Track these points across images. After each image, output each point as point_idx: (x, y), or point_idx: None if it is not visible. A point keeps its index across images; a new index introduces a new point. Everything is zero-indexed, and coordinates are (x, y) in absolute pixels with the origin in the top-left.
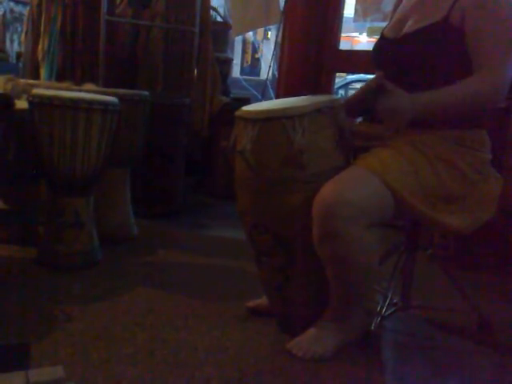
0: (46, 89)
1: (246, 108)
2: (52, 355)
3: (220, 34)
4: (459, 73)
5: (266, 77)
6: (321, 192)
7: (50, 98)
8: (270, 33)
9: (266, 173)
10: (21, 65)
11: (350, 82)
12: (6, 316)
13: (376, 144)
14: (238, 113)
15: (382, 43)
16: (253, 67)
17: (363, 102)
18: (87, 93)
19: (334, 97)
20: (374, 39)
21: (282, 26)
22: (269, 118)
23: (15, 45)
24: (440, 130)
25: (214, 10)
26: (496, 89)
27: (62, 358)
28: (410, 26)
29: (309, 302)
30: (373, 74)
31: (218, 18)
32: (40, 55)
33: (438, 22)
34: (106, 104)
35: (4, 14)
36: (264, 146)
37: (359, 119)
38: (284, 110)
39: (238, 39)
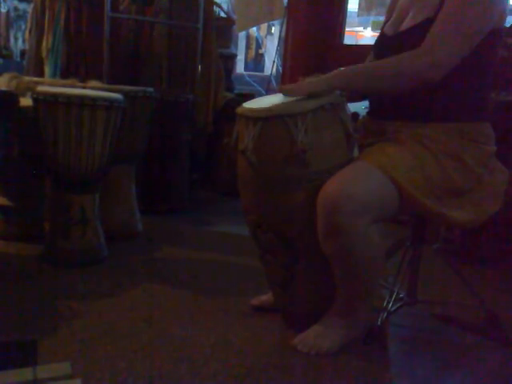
0: (50, 86)
1: (246, 105)
2: (58, 351)
3: (223, 29)
4: (455, 69)
5: (270, 72)
6: (325, 187)
7: (55, 95)
8: (273, 28)
9: (268, 172)
10: (25, 62)
11: None
12: (12, 313)
13: (379, 139)
14: (239, 110)
15: (382, 40)
16: (257, 63)
17: None
18: (92, 90)
19: (337, 93)
20: (378, 33)
21: (285, 21)
22: (270, 116)
23: (19, 42)
24: (442, 122)
25: (218, 5)
26: (423, 62)
27: (68, 355)
28: (406, 23)
29: (313, 299)
30: None
31: (222, 14)
32: (44, 52)
33: (430, 17)
34: (110, 101)
35: (8, 12)
36: (266, 144)
37: (360, 115)
38: (286, 107)
39: (242, 35)
